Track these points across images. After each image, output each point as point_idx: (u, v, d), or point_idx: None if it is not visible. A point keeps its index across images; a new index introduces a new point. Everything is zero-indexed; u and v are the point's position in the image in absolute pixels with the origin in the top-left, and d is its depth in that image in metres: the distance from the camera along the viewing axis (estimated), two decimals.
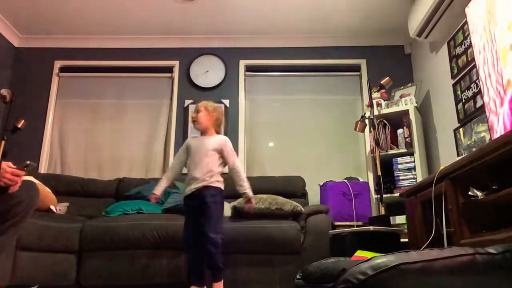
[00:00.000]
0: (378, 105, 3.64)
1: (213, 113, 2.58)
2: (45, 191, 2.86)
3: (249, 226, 2.70)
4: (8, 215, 1.54)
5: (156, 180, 3.56)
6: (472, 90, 2.88)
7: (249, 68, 4.31)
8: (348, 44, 4.29)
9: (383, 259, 1.01)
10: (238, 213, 2.85)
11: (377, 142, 3.08)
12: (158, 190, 2.52)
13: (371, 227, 2.58)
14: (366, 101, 3.99)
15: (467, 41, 2.94)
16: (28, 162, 1.56)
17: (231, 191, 3.37)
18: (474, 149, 2.55)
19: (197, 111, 2.57)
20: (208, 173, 2.45)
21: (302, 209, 2.88)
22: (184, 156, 2.59)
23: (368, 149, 3.72)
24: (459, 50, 3.08)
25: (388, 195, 3.39)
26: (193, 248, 2.39)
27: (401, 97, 3.73)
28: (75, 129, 4.13)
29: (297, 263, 2.56)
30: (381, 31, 4.18)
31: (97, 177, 3.77)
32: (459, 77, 3.07)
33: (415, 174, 3.35)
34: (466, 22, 2.48)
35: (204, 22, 4.08)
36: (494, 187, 1.65)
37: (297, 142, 4.07)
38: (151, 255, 2.66)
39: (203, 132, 2.58)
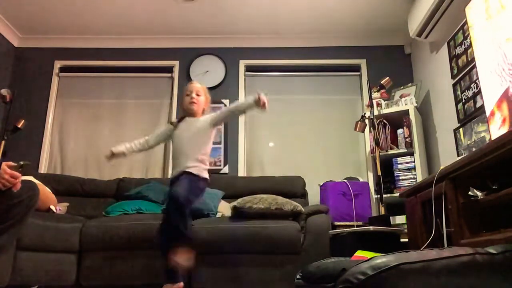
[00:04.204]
0: (378, 105, 3.64)
1: (208, 100, 2.65)
2: (45, 191, 2.86)
3: (249, 226, 2.70)
4: (8, 215, 1.54)
5: (156, 180, 3.59)
6: (472, 90, 2.88)
7: (249, 68, 4.31)
8: (348, 44, 4.29)
9: (383, 259, 1.01)
10: (238, 213, 2.85)
11: (377, 142, 3.08)
12: (117, 148, 2.58)
13: (371, 227, 2.58)
14: (366, 101, 3.99)
15: (467, 41, 2.94)
16: (22, 162, 1.56)
17: (231, 191, 3.39)
18: (474, 149, 2.56)
19: (197, 94, 2.57)
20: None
21: (302, 209, 2.87)
22: (160, 137, 2.65)
23: (368, 149, 3.72)
24: (459, 50, 3.08)
25: (388, 195, 3.39)
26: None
27: (401, 97, 3.73)
28: (75, 129, 4.13)
29: (297, 263, 2.56)
30: (381, 31, 4.18)
31: (97, 177, 3.77)
32: (459, 77, 3.07)
33: (415, 174, 3.35)
34: (466, 22, 2.48)
35: (204, 22, 4.08)
36: (494, 187, 1.65)
37: (297, 142, 4.07)
38: (151, 255, 2.66)
39: (191, 116, 2.58)
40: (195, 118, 2.57)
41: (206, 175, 2.48)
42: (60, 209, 3.01)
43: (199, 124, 2.53)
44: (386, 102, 3.70)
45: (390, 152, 3.54)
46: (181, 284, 2.31)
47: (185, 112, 2.61)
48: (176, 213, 2.24)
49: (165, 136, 2.66)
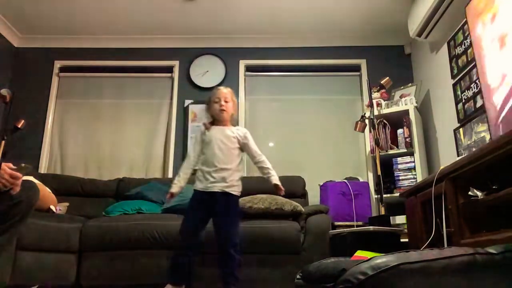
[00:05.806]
0: (378, 105, 3.64)
1: (235, 104, 2.63)
2: (45, 191, 2.86)
3: (249, 226, 2.70)
4: (8, 215, 1.54)
5: (156, 180, 3.59)
6: (472, 90, 2.88)
7: (249, 68, 4.31)
8: (348, 44, 4.29)
9: (383, 259, 1.01)
10: None
11: (377, 142, 3.08)
12: (175, 188, 2.46)
13: (371, 227, 2.58)
14: (366, 101, 3.99)
15: (467, 41, 2.94)
16: (23, 164, 1.55)
17: None
18: (474, 149, 2.55)
19: (225, 100, 2.53)
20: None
21: (302, 209, 2.88)
22: (199, 148, 2.55)
23: (368, 149, 3.72)
24: (459, 50, 3.07)
25: (388, 195, 3.39)
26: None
27: (401, 97, 3.73)
28: (75, 129, 4.13)
29: (297, 263, 2.56)
30: (381, 31, 4.17)
31: (97, 177, 3.77)
32: (459, 77, 3.07)
33: (415, 174, 3.35)
34: (466, 22, 2.48)
35: (204, 22, 4.08)
36: (494, 187, 1.65)
37: (297, 142, 4.07)
38: (151, 255, 2.66)
39: (220, 122, 2.55)
40: (226, 127, 2.54)
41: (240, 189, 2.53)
42: (60, 209, 3.01)
43: (231, 134, 2.52)
44: (386, 102, 3.70)
45: (390, 152, 3.54)
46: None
47: (214, 118, 2.58)
48: (232, 258, 2.32)
49: (202, 145, 2.55)
